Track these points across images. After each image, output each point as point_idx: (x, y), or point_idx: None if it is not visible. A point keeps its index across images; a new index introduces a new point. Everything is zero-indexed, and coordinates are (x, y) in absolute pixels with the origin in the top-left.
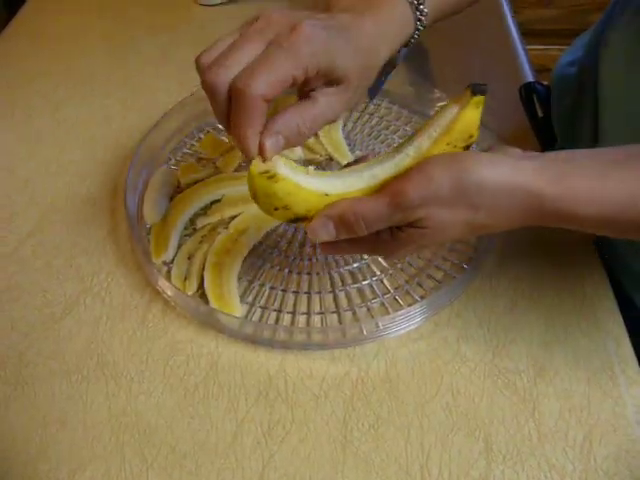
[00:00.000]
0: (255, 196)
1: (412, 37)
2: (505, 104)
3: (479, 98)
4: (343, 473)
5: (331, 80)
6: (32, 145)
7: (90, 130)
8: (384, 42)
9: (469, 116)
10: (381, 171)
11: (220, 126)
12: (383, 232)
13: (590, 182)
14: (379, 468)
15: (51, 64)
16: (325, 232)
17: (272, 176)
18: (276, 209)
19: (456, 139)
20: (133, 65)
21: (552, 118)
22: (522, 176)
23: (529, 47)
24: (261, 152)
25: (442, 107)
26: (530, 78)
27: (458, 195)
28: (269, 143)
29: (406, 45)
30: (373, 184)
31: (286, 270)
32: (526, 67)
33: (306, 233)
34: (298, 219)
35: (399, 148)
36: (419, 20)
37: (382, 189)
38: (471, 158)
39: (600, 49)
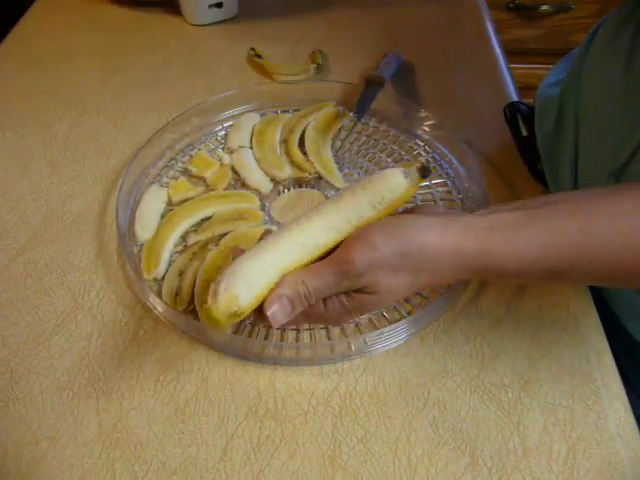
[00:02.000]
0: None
1: None
2: (490, 123)
3: (423, 180)
4: None
5: None
6: (23, 164)
7: (81, 149)
8: None
9: (411, 193)
10: (323, 238)
11: (211, 144)
12: (331, 302)
13: (506, 238)
14: None
15: (43, 83)
16: (282, 312)
17: (239, 314)
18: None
19: (394, 210)
20: (124, 84)
21: (536, 137)
22: (451, 238)
23: (515, 66)
24: None
25: (385, 174)
26: (514, 98)
27: (402, 260)
28: None
29: None
30: (316, 253)
31: None
32: (511, 87)
33: None
34: None
35: (338, 212)
36: None
37: (327, 257)
38: (410, 227)
39: (583, 71)
